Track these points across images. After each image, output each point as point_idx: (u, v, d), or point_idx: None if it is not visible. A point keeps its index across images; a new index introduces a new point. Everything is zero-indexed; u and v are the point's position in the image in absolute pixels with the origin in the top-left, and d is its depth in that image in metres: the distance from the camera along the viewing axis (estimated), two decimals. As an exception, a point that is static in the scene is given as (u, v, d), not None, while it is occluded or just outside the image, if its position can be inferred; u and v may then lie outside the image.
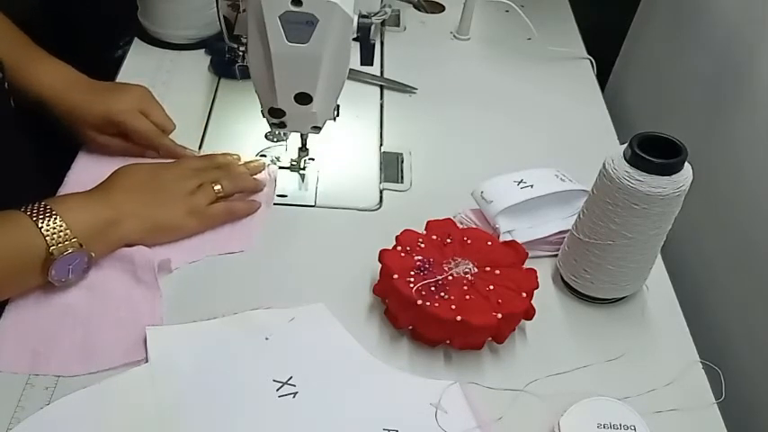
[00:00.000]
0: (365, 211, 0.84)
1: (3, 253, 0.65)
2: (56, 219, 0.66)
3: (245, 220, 0.80)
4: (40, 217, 0.66)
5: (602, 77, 1.19)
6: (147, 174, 0.77)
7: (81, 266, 0.69)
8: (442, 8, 1.20)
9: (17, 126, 0.79)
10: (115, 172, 0.76)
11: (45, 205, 0.67)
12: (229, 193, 0.79)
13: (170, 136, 0.85)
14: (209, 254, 0.76)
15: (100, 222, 0.70)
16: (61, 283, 0.69)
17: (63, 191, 0.80)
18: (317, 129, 0.79)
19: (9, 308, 0.69)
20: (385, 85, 1.02)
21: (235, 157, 0.84)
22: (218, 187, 0.78)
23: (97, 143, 0.83)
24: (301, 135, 0.83)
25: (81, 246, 0.67)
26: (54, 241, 0.66)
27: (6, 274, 0.66)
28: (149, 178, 0.76)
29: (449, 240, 0.73)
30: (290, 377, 0.66)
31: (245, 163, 0.84)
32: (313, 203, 0.84)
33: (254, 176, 0.83)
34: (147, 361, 0.65)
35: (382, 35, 1.12)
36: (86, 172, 0.82)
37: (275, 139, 0.90)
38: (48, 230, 0.66)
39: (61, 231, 0.66)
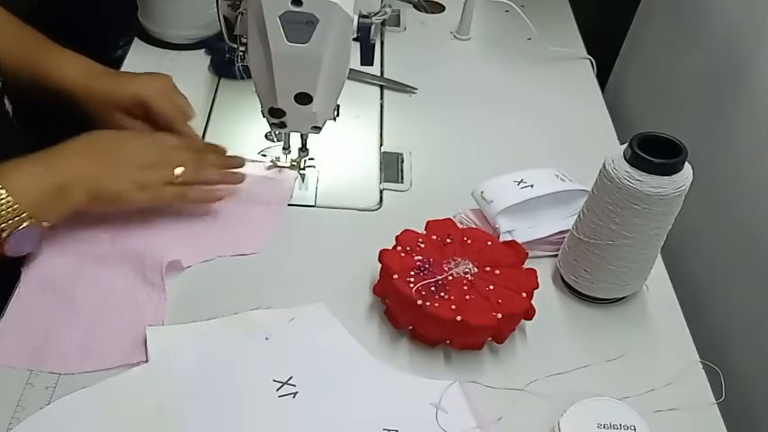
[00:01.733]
0: (365, 211, 0.84)
1: None
2: (0, 192, 0.64)
3: (258, 222, 0.79)
4: None
5: (602, 77, 1.19)
6: (108, 140, 0.75)
7: (35, 238, 0.68)
8: (442, 8, 1.20)
9: (14, 126, 0.79)
10: (79, 136, 0.74)
11: None
12: (191, 181, 0.76)
13: None
14: (222, 254, 0.76)
15: (47, 191, 0.67)
16: (18, 254, 0.67)
17: None
18: (317, 129, 0.79)
19: (12, 301, 0.68)
20: (385, 85, 1.02)
21: (220, 147, 0.83)
22: (179, 170, 0.75)
23: (123, 125, 0.82)
24: (301, 135, 0.83)
25: (31, 218, 0.66)
26: (3, 219, 0.64)
27: None
28: (109, 145, 0.74)
29: (449, 240, 0.73)
30: (290, 377, 0.65)
31: (228, 156, 0.82)
32: (313, 203, 0.84)
33: (231, 170, 0.81)
34: (147, 361, 0.65)
35: (382, 35, 1.12)
36: None
37: (275, 139, 0.90)
38: None
39: (9, 207, 0.64)
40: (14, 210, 0.64)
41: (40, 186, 0.67)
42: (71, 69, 0.81)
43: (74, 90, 0.81)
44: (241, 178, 0.81)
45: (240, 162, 0.82)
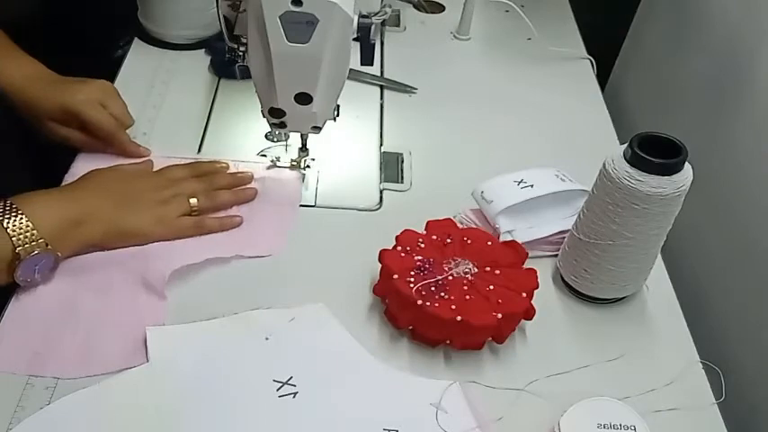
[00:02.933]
0: (365, 211, 0.83)
1: None
2: (21, 218, 0.65)
3: (271, 223, 0.79)
4: (6, 216, 0.65)
5: (602, 77, 1.19)
6: (120, 178, 0.76)
7: (47, 266, 0.68)
8: (442, 8, 1.20)
9: (13, 126, 0.79)
10: (90, 172, 0.76)
11: (11, 204, 0.66)
12: (205, 210, 0.78)
13: (138, 133, 0.85)
14: (237, 254, 0.76)
15: (66, 222, 0.69)
16: (26, 284, 0.68)
17: None
18: (317, 129, 0.79)
19: (12, 306, 0.68)
20: (385, 85, 1.02)
21: (223, 165, 0.83)
22: (194, 201, 0.77)
23: (58, 135, 0.82)
24: (301, 135, 0.83)
25: (47, 246, 0.66)
26: (20, 241, 0.65)
27: None
28: (123, 183, 0.76)
29: (449, 240, 0.73)
30: (290, 377, 0.65)
31: (234, 174, 0.83)
32: (313, 203, 0.84)
33: (242, 187, 0.82)
34: (147, 361, 0.65)
35: (382, 35, 1.12)
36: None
37: (275, 139, 0.90)
38: (14, 230, 0.65)
39: (27, 231, 0.65)
40: (33, 235, 0.66)
41: (59, 217, 0.68)
42: (14, 73, 0.81)
43: (10, 95, 0.80)
44: (253, 194, 0.82)
45: (249, 177, 0.83)
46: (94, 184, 0.74)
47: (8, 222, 0.65)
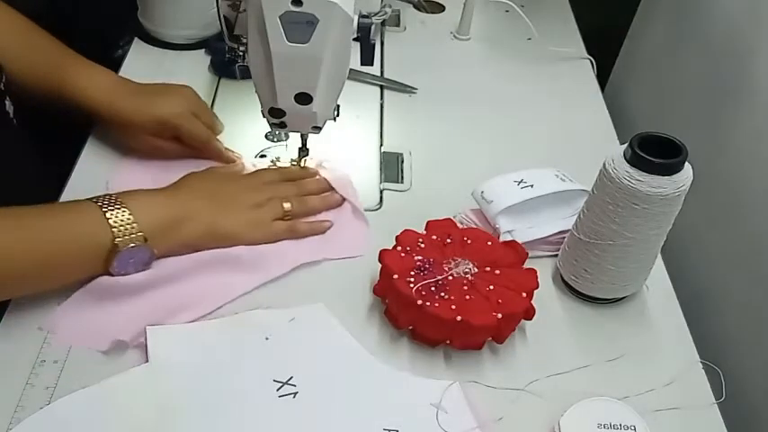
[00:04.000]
0: (365, 211, 0.83)
1: (69, 238, 0.66)
2: (124, 211, 0.67)
3: (351, 224, 0.80)
4: (109, 208, 0.67)
5: (603, 77, 1.19)
6: (217, 181, 0.78)
7: (143, 261, 0.69)
8: (442, 8, 1.20)
9: (15, 126, 0.79)
10: (188, 175, 0.77)
11: (115, 197, 0.68)
12: (297, 215, 0.79)
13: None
14: (328, 257, 0.77)
15: (166, 220, 0.70)
16: (121, 275, 0.69)
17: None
18: (318, 129, 0.79)
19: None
20: (385, 85, 1.02)
21: (312, 171, 0.84)
22: (287, 205, 0.78)
23: (153, 147, 0.83)
24: (301, 135, 0.83)
25: (145, 241, 0.68)
26: (120, 233, 0.66)
27: (71, 260, 0.67)
28: (219, 186, 0.77)
29: (449, 240, 0.73)
30: (290, 377, 0.66)
31: (320, 179, 0.84)
32: (313, 203, 0.84)
33: (329, 193, 0.82)
34: (147, 361, 0.65)
35: (382, 35, 1.12)
36: (132, 175, 0.82)
37: (275, 139, 0.90)
38: (115, 222, 0.66)
39: (129, 224, 0.67)
40: (133, 228, 0.67)
41: (160, 215, 0.70)
42: (93, 86, 0.81)
43: (96, 109, 0.81)
44: (339, 200, 0.82)
45: (328, 185, 0.83)
46: (193, 186, 0.76)
47: (111, 214, 0.66)
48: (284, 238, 0.77)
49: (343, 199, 0.82)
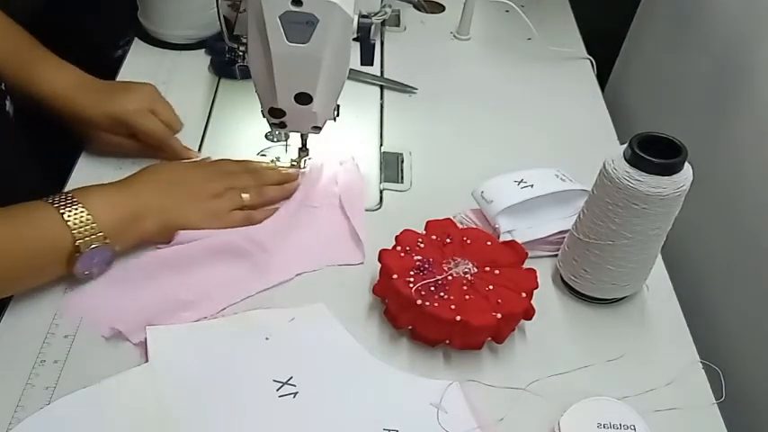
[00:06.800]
0: (365, 210, 0.83)
1: (29, 245, 0.65)
2: (82, 211, 0.66)
3: (352, 233, 0.79)
4: (66, 208, 0.65)
5: (602, 77, 1.19)
6: (175, 172, 0.77)
7: (105, 260, 0.69)
8: (442, 8, 1.20)
9: (15, 127, 0.79)
10: (145, 168, 0.76)
11: (71, 195, 0.66)
12: (255, 206, 0.78)
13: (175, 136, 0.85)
14: (329, 264, 0.76)
15: (125, 217, 0.69)
16: (84, 276, 0.68)
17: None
18: (318, 129, 0.79)
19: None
20: (385, 85, 1.02)
21: (270, 164, 0.84)
22: (245, 196, 0.77)
23: (109, 144, 0.82)
24: (301, 135, 0.83)
25: (106, 240, 0.67)
26: (81, 234, 0.65)
27: (31, 264, 0.66)
28: (177, 177, 0.76)
29: (448, 240, 0.73)
30: (291, 377, 0.65)
31: (284, 170, 0.83)
32: (313, 203, 0.84)
33: (285, 185, 0.82)
34: (147, 361, 0.65)
35: (382, 35, 1.12)
36: (91, 171, 0.82)
37: (275, 139, 0.90)
38: (74, 223, 0.65)
39: (88, 225, 0.66)
40: (92, 228, 0.66)
41: (117, 211, 0.69)
42: (57, 81, 0.80)
43: (54, 103, 0.80)
44: (294, 189, 0.82)
45: (296, 175, 0.83)
46: (150, 178, 0.74)
47: (69, 215, 0.65)
48: (241, 226, 0.76)
49: (341, 206, 0.82)
